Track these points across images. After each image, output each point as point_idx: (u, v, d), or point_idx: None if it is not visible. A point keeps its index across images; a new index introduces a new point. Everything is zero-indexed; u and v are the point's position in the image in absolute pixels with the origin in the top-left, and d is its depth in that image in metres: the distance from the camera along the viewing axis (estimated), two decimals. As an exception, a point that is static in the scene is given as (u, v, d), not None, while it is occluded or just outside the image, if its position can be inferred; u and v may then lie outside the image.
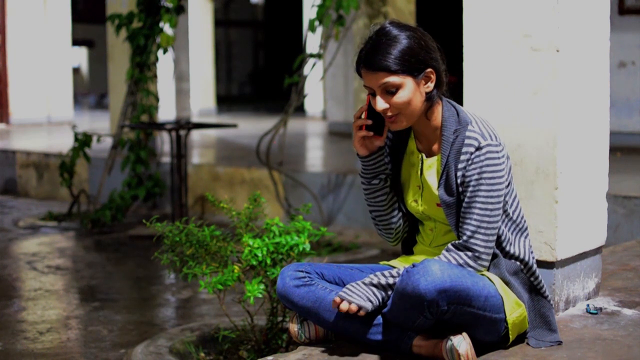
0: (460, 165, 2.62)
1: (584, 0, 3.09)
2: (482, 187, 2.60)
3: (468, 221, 2.61)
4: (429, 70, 2.61)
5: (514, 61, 3.03)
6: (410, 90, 2.59)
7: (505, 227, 2.70)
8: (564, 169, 3.00)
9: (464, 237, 2.61)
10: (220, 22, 24.44)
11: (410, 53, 2.56)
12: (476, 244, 2.61)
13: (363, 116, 2.69)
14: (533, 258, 2.76)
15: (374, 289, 2.60)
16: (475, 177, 2.60)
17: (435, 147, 2.72)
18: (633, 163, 7.23)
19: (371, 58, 2.57)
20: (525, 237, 2.76)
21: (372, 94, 2.63)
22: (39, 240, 7.13)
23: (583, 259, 3.21)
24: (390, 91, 2.58)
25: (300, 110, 13.41)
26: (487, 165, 2.59)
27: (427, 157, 2.74)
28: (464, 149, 2.61)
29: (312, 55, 6.65)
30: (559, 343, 2.76)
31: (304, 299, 2.73)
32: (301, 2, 15.08)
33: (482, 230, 2.61)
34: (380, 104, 2.60)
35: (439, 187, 2.68)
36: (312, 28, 6.44)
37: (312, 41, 7.19)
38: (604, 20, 3.23)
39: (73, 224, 7.65)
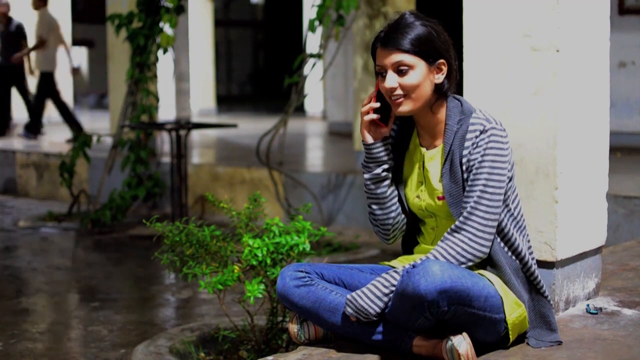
0: (464, 152, 2.63)
1: (584, 0, 3.09)
2: (484, 170, 2.60)
3: (467, 201, 2.61)
4: (441, 61, 2.65)
5: (514, 61, 3.04)
6: (421, 74, 2.62)
7: (507, 220, 2.70)
8: (564, 169, 3.01)
9: (461, 218, 2.61)
10: (220, 22, 24.43)
11: (427, 38, 2.62)
12: (472, 225, 2.60)
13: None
14: (532, 257, 2.76)
15: (381, 296, 2.60)
16: (479, 159, 2.60)
17: (438, 142, 2.73)
18: (633, 163, 7.23)
19: (388, 37, 2.62)
20: (524, 236, 2.76)
21: (383, 75, 2.65)
22: (39, 240, 7.13)
23: (583, 259, 3.21)
24: (401, 70, 2.61)
25: (300, 110, 13.41)
26: (491, 148, 2.60)
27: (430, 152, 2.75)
28: (469, 135, 2.63)
29: (312, 55, 6.65)
30: (559, 343, 2.76)
31: (304, 299, 2.73)
32: (301, 2, 15.08)
33: (480, 213, 2.60)
34: (390, 81, 2.63)
35: (442, 176, 2.68)
36: (312, 28, 6.44)
37: (312, 41, 7.19)
38: (604, 20, 3.23)
39: (73, 224, 7.65)
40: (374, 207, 2.82)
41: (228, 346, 3.77)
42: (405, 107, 2.65)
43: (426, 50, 2.62)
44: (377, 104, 2.71)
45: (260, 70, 28.61)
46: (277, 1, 26.33)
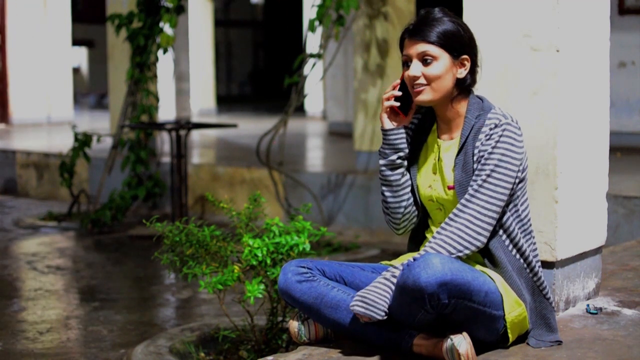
0: (477, 143, 2.67)
1: (584, 0, 3.09)
2: (492, 162, 2.63)
3: (469, 187, 2.64)
4: (465, 57, 2.71)
5: (514, 61, 3.04)
6: (444, 66, 2.68)
7: (514, 221, 2.71)
8: (564, 169, 3.01)
9: (460, 204, 2.64)
10: (220, 22, 24.44)
11: (453, 33, 2.69)
12: (469, 213, 2.61)
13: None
14: (537, 260, 2.76)
15: (388, 290, 2.60)
16: (489, 150, 2.64)
17: (455, 134, 2.78)
18: (633, 163, 7.23)
19: (417, 28, 2.70)
20: (528, 240, 2.76)
21: (408, 65, 2.72)
22: (39, 240, 7.13)
23: (583, 259, 3.21)
24: (426, 60, 2.68)
25: (300, 110, 13.41)
26: (503, 142, 2.64)
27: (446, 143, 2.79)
28: (484, 128, 2.67)
29: (312, 55, 6.65)
30: (559, 343, 2.77)
31: (306, 294, 2.73)
32: (301, 2, 15.08)
33: (479, 201, 2.61)
34: (414, 69, 2.69)
35: (455, 166, 2.71)
36: (312, 28, 6.44)
37: (312, 41, 7.20)
38: (604, 20, 3.23)
39: (73, 224, 7.65)
40: (387, 194, 2.83)
41: (228, 346, 3.77)
42: (425, 97, 2.70)
43: (451, 44, 2.68)
44: (399, 93, 2.76)
45: (260, 70, 28.61)
46: (277, 1, 26.33)
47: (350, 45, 10.77)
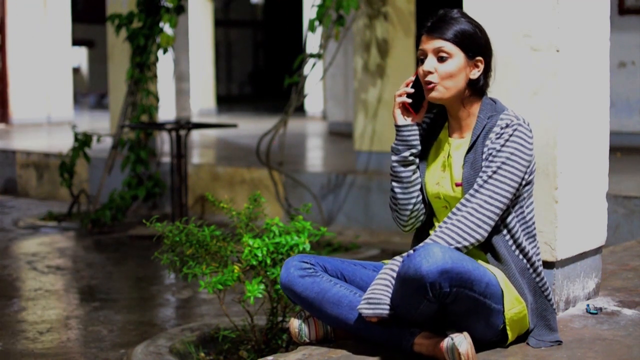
0: (487, 142, 2.69)
1: (584, 0, 3.09)
2: (499, 159, 2.65)
3: (476, 180, 2.65)
4: (479, 58, 2.74)
5: (514, 61, 3.04)
6: (458, 64, 2.71)
7: (517, 222, 2.72)
8: (564, 169, 3.01)
9: (464, 198, 2.65)
10: (220, 22, 24.43)
11: (470, 34, 2.73)
12: (472, 207, 2.63)
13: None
14: (539, 262, 2.77)
15: (391, 284, 2.61)
16: (498, 148, 2.66)
17: (466, 133, 2.79)
18: (633, 163, 7.23)
19: (434, 25, 2.73)
20: (531, 242, 2.77)
21: (423, 61, 2.75)
22: (39, 240, 7.13)
23: (583, 259, 3.21)
24: (441, 57, 2.71)
25: (300, 110, 13.41)
26: (513, 142, 2.65)
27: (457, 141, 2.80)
28: (495, 128, 2.69)
29: (312, 55, 6.66)
30: (559, 343, 2.77)
31: (308, 289, 2.74)
32: (301, 2, 15.08)
33: (482, 196, 2.63)
34: (429, 64, 2.72)
35: (464, 164, 2.72)
36: (312, 28, 6.45)
37: (312, 41, 7.20)
38: (604, 20, 3.23)
39: (73, 224, 7.65)
40: (397, 190, 2.84)
41: (228, 346, 3.77)
42: (437, 94, 2.73)
43: (467, 44, 2.71)
44: (412, 90, 2.78)
45: (260, 70, 28.61)
46: (277, 1, 26.33)
47: (350, 45, 10.77)
